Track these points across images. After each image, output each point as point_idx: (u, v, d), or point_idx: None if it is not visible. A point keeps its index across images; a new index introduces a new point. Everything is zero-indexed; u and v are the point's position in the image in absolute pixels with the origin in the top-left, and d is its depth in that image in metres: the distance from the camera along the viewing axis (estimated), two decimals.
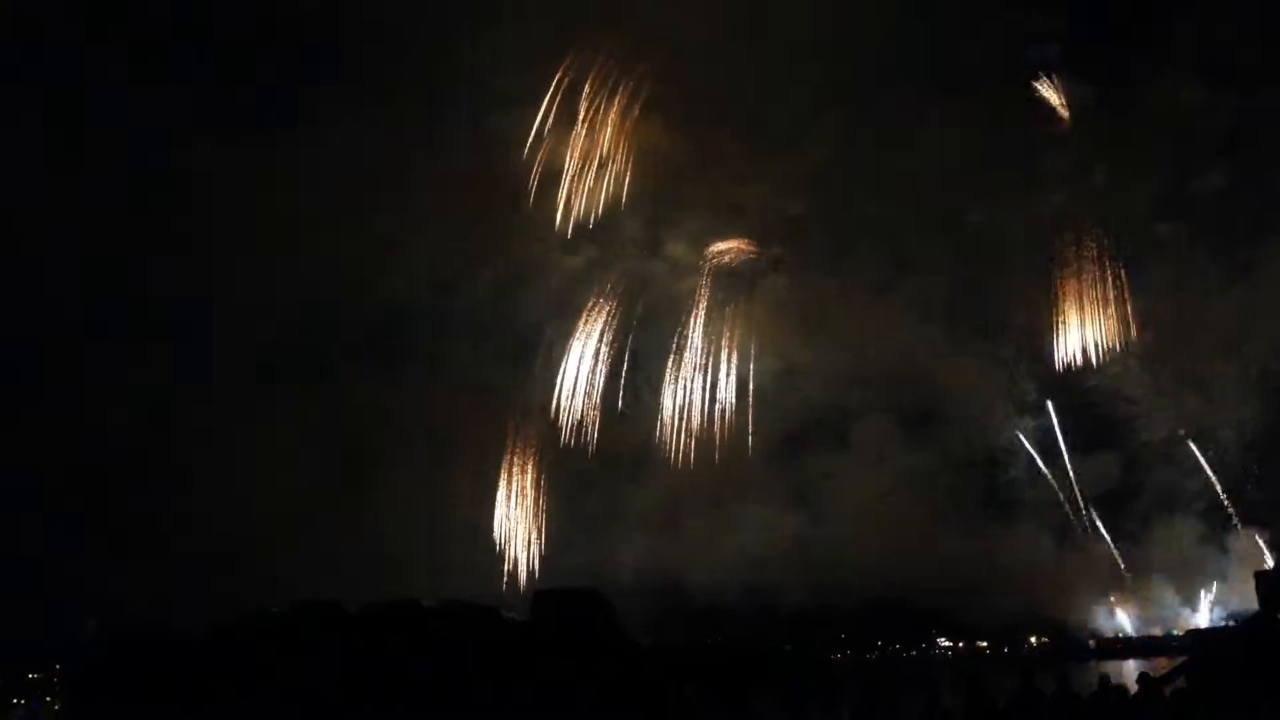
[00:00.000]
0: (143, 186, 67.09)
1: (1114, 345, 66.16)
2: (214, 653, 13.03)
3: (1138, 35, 67.03)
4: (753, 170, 71.21)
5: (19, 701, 68.38)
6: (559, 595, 13.17)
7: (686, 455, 67.10)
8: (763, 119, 70.88)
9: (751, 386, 68.61)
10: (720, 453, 66.80)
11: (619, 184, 67.89)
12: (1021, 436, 69.64)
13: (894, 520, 65.82)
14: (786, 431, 68.18)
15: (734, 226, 71.78)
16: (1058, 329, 66.96)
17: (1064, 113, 69.64)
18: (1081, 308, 66.23)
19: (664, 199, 70.53)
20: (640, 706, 12.43)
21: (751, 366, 68.52)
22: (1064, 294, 66.70)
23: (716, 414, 68.22)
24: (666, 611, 56.61)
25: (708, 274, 69.89)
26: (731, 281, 70.94)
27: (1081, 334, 66.57)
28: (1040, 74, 69.24)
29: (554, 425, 64.75)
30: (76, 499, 63.53)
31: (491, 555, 64.51)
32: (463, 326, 68.50)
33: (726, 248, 70.58)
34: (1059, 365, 67.01)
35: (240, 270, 68.06)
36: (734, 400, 68.52)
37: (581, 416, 65.50)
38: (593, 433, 66.02)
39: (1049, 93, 69.48)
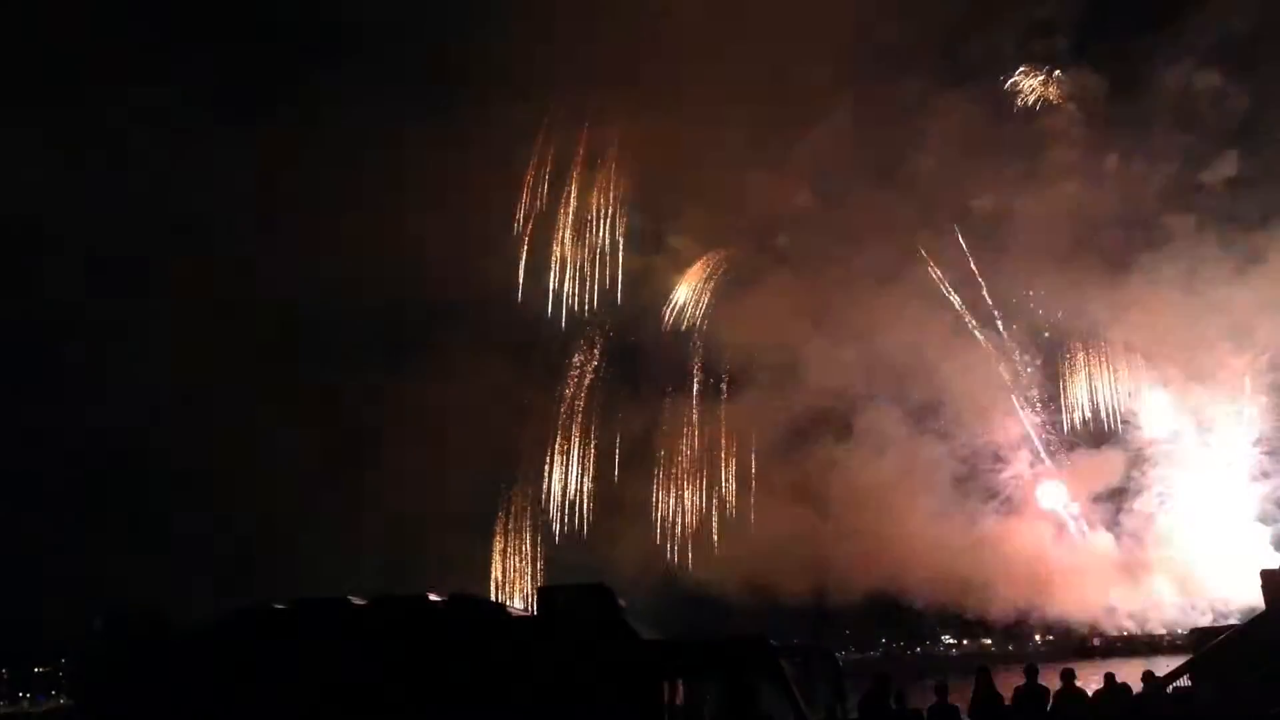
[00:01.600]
0: (139, 179, 67.08)
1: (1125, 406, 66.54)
2: (219, 647, 13.07)
3: (1151, 22, 67.45)
4: (758, 161, 71.64)
5: (25, 695, 68.72)
6: (565, 590, 13.16)
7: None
8: (768, 110, 71.36)
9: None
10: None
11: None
12: (1027, 430, 69.97)
13: (896, 513, 65.98)
14: (789, 424, 68.37)
15: (738, 218, 72.21)
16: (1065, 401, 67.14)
17: (1057, 100, 69.68)
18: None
19: (666, 192, 71.06)
20: (647, 700, 12.43)
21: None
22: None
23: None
24: (664, 605, 56.90)
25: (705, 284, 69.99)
26: (734, 277, 71.17)
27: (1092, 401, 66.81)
28: (1022, 66, 69.33)
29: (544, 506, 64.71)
30: (77, 494, 63.84)
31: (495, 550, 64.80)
32: (463, 321, 68.76)
33: (721, 258, 70.70)
34: (1067, 431, 67.19)
35: (239, 263, 68.19)
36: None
37: (575, 498, 64.92)
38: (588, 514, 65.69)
39: (1035, 83, 69.46)
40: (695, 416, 69.51)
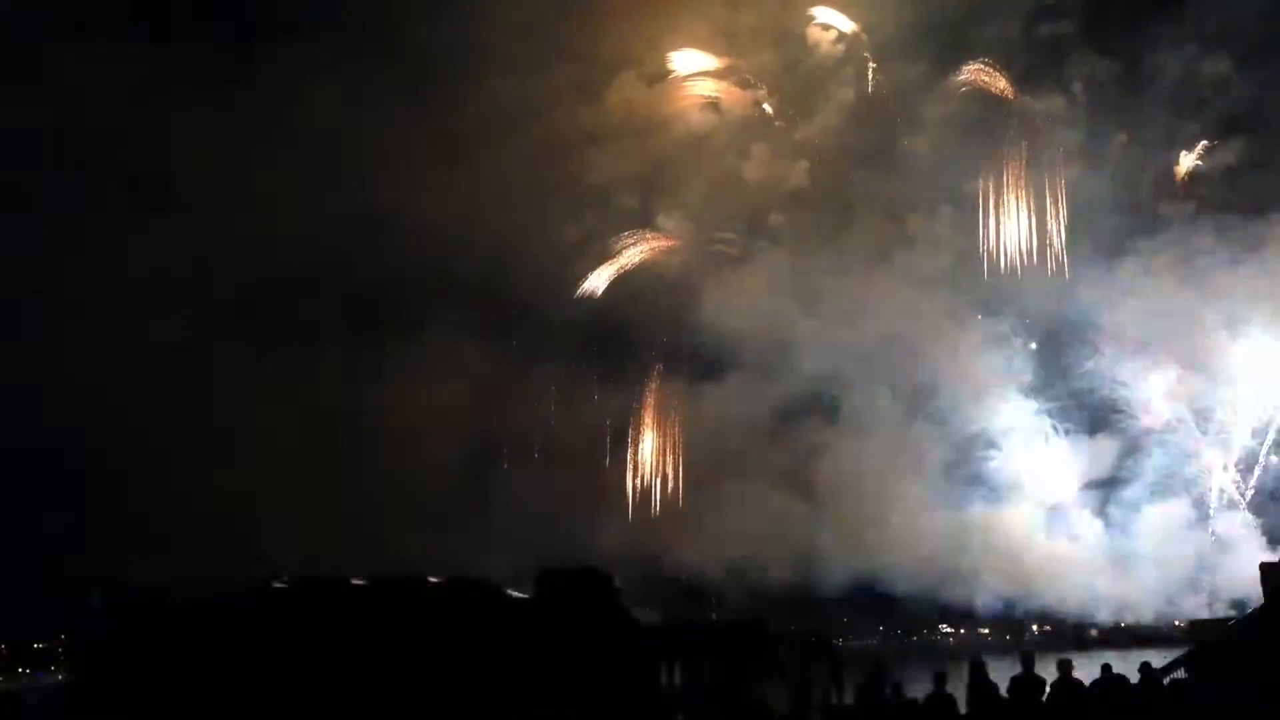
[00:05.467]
0: (115, 140, 65.50)
1: None
2: (217, 625, 13.14)
3: (1156, 7, 67.05)
4: (753, 142, 71.36)
5: (24, 670, 68.95)
6: (563, 574, 13.23)
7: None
8: (765, 92, 71.12)
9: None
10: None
11: None
12: (1016, 416, 69.68)
13: (884, 498, 65.58)
14: (779, 406, 67.84)
15: (731, 200, 71.82)
16: None
17: (1008, 95, 69.22)
18: None
19: (660, 171, 70.64)
20: (644, 684, 12.50)
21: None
22: None
23: None
24: (648, 590, 56.54)
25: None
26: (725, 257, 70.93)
27: None
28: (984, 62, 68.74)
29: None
30: (74, 474, 63.45)
31: (490, 535, 64.51)
32: (453, 295, 68.21)
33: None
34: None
35: (222, 231, 67.51)
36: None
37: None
38: None
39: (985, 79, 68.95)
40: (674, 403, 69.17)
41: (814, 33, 71.11)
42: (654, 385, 68.68)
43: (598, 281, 68.86)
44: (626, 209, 70.11)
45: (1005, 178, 68.68)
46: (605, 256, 69.08)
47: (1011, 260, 68.37)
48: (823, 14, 71.20)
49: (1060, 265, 68.01)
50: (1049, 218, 68.39)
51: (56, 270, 65.29)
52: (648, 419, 68.61)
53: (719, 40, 71.48)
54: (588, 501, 65.51)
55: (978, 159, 69.31)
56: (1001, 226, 68.43)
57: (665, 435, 68.69)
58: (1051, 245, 67.99)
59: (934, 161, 69.64)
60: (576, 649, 12.35)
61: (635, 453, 68.45)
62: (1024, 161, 68.92)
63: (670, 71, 70.97)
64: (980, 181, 68.47)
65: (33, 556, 59.40)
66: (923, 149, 70.12)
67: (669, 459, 68.27)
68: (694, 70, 71.24)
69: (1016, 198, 68.50)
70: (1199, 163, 68.21)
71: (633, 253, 69.12)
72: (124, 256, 65.80)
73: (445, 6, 68.01)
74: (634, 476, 67.83)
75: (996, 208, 68.49)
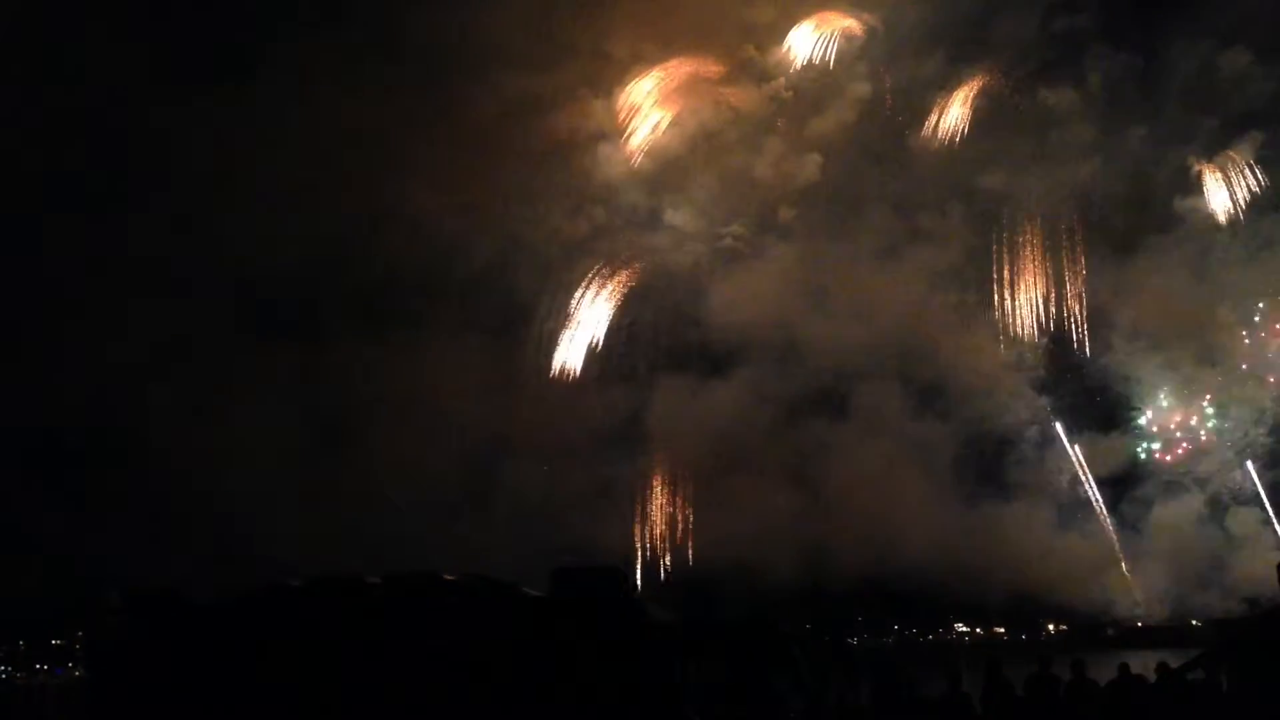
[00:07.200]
0: (114, 139, 66.12)
1: None
2: (234, 623, 13.17)
3: (1175, 1, 66.81)
4: (764, 137, 71.30)
5: (42, 667, 69.57)
6: (579, 572, 13.18)
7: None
8: (780, 85, 71.01)
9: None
10: None
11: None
12: (1028, 412, 69.36)
13: (894, 495, 65.43)
14: (788, 403, 67.73)
15: (742, 196, 71.74)
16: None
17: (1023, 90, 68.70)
18: None
19: (669, 168, 70.68)
20: (660, 681, 12.47)
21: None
22: None
23: None
24: (653, 589, 56.56)
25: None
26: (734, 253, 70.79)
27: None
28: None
29: None
30: (78, 469, 63.75)
31: (500, 532, 64.54)
32: (456, 292, 68.33)
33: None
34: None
35: (224, 228, 67.67)
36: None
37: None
38: None
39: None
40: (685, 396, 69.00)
41: (828, 28, 71.14)
42: (661, 384, 68.74)
43: (572, 354, 68.48)
44: (635, 204, 70.30)
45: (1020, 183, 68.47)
46: (565, 315, 68.56)
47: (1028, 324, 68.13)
48: (838, 10, 71.33)
49: (1077, 268, 67.86)
50: (1061, 225, 68.18)
51: (55, 269, 65.88)
52: (654, 426, 68.64)
53: (733, 35, 71.65)
54: (592, 499, 65.69)
55: (991, 155, 69.41)
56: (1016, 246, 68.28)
57: (674, 441, 68.66)
58: (1068, 250, 67.85)
59: (947, 157, 69.66)
60: (591, 647, 12.31)
61: (644, 468, 68.48)
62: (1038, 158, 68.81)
63: (681, 67, 71.07)
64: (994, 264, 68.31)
65: (49, 554, 59.90)
66: (935, 145, 70.19)
67: (680, 483, 68.24)
68: (706, 66, 71.35)
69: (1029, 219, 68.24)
70: (1215, 158, 68.03)
71: (598, 308, 68.58)
72: (123, 255, 66.22)
73: (450, 2, 68.23)
74: (642, 523, 67.87)
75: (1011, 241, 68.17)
